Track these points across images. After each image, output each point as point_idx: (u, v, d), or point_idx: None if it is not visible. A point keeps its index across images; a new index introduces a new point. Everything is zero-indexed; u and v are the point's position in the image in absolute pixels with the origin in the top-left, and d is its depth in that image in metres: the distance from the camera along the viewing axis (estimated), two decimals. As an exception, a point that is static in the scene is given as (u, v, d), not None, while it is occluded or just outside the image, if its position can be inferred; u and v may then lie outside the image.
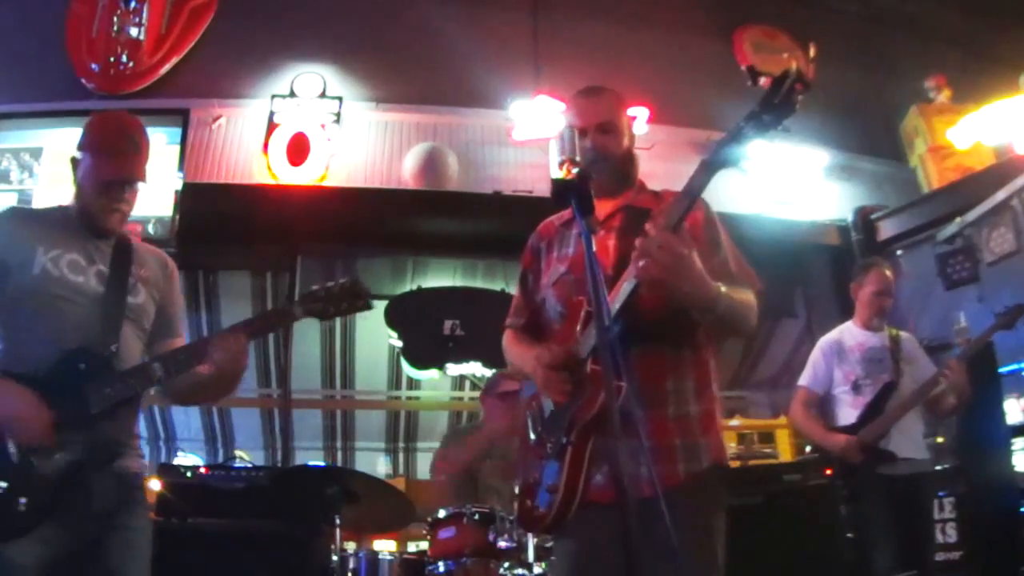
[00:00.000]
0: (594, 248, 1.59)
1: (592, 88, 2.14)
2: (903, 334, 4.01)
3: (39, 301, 2.09)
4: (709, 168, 1.74)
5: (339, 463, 7.70)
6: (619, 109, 2.11)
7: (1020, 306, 3.89)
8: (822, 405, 3.96)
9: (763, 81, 1.64)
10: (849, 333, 3.98)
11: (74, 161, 2.26)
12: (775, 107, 1.61)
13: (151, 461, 5.96)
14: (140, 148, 2.24)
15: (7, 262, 2.12)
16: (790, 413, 4.17)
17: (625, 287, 1.78)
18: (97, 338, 2.09)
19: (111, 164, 2.18)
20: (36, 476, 1.95)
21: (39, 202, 5.43)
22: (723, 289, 1.78)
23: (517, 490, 2.01)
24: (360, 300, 2.25)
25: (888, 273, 4.03)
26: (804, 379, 4.00)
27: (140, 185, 2.25)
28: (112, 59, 6.10)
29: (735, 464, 4.99)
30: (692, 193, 1.75)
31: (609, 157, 2.02)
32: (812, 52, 1.69)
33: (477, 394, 5.39)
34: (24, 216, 2.25)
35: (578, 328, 1.90)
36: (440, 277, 6.61)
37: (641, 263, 1.69)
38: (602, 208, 1.99)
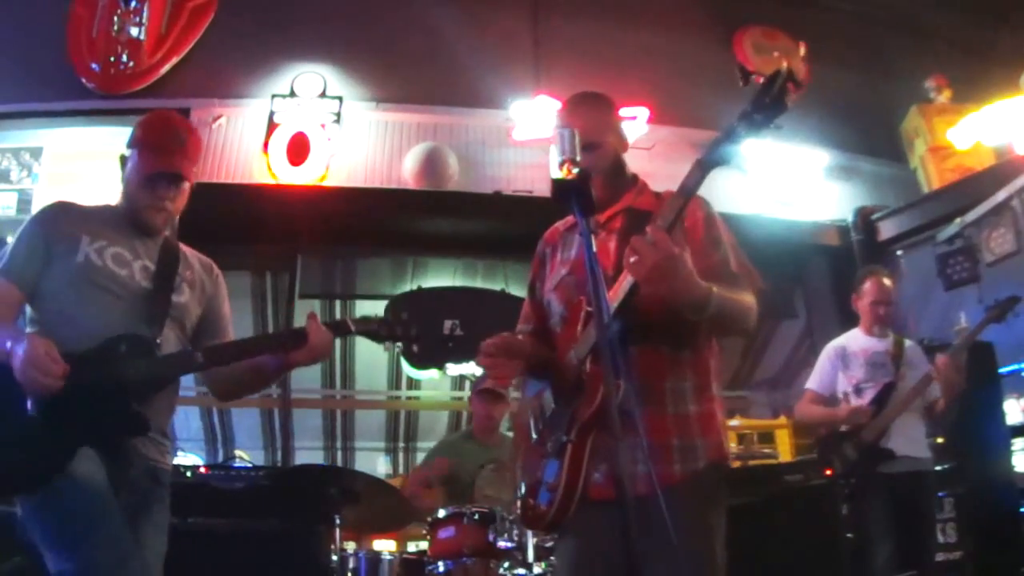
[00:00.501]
0: (594, 248, 1.59)
1: (576, 100, 2.11)
2: (908, 342, 4.08)
3: (82, 289, 2.09)
4: (703, 167, 1.75)
5: (339, 463, 7.70)
6: (602, 121, 2.07)
7: (1011, 299, 3.92)
8: (826, 407, 4.02)
9: (761, 81, 1.66)
10: (854, 339, 4.06)
11: (123, 159, 2.26)
12: (766, 106, 1.63)
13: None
14: (186, 146, 2.25)
15: (53, 250, 2.12)
16: (796, 412, 4.27)
17: (624, 285, 1.78)
18: (140, 330, 2.09)
19: (156, 159, 2.19)
20: (49, 432, 1.92)
21: (39, 202, 5.43)
22: (715, 289, 1.77)
23: (522, 490, 2.01)
24: (412, 328, 2.33)
25: (886, 281, 4.06)
26: (811, 383, 4.10)
27: (185, 185, 2.25)
28: (112, 59, 6.09)
29: (735, 464, 4.99)
30: (687, 192, 1.76)
31: (593, 175, 2.00)
32: (802, 51, 1.71)
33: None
34: (71, 209, 2.25)
35: (579, 328, 1.90)
36: (440, 277, 6.60)
37: (632, 260, 1.69)
38: (603, 213, 2.00)
